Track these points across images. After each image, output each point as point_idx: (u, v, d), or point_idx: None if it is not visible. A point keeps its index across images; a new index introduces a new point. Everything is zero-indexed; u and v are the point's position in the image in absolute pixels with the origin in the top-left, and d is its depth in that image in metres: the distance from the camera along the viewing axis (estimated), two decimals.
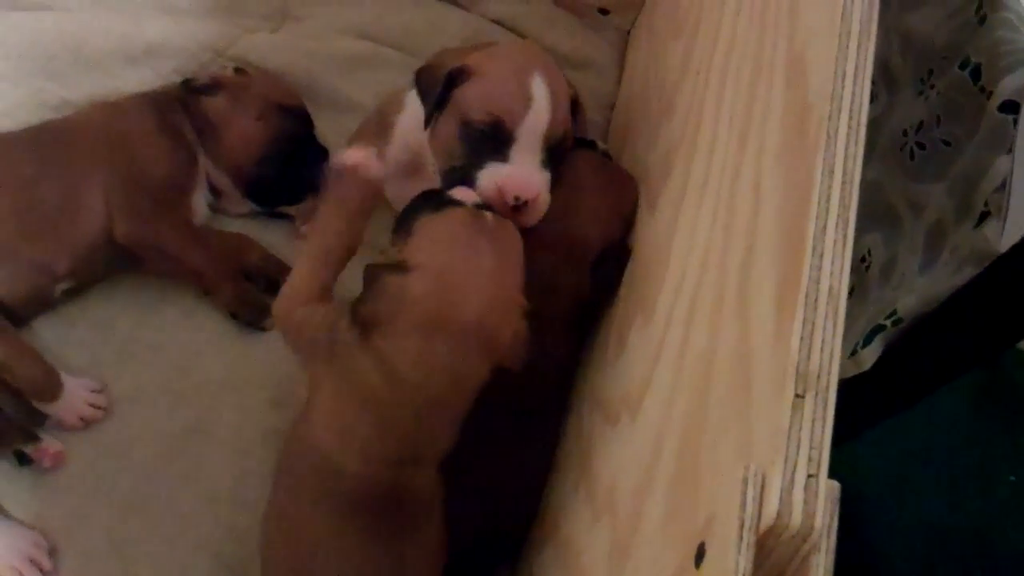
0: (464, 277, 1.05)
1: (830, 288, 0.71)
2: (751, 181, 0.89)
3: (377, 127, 1.38)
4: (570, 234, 1.23)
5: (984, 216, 1.15)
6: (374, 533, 1.07)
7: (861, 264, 1.35)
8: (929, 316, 1.12)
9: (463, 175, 1.20)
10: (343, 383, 1.07)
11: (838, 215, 0.73)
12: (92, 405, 1.31)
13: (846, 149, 0.76)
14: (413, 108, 1.31)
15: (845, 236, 0.73)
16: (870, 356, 1.14)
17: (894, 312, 1.14)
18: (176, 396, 1.35)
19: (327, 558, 1.08)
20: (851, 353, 1.15)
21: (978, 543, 1.59)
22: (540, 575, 1.19)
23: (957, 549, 1.59)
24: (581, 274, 1.24)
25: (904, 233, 1.30)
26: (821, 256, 0.72)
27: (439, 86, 1.21)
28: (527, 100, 1.18)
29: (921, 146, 1.30)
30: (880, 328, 1.16)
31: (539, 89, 1.19)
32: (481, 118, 1.19)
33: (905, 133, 1.34)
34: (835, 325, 0.70)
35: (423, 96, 1.26)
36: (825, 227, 0.73)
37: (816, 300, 0.70)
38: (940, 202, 1.24)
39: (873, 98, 1.47)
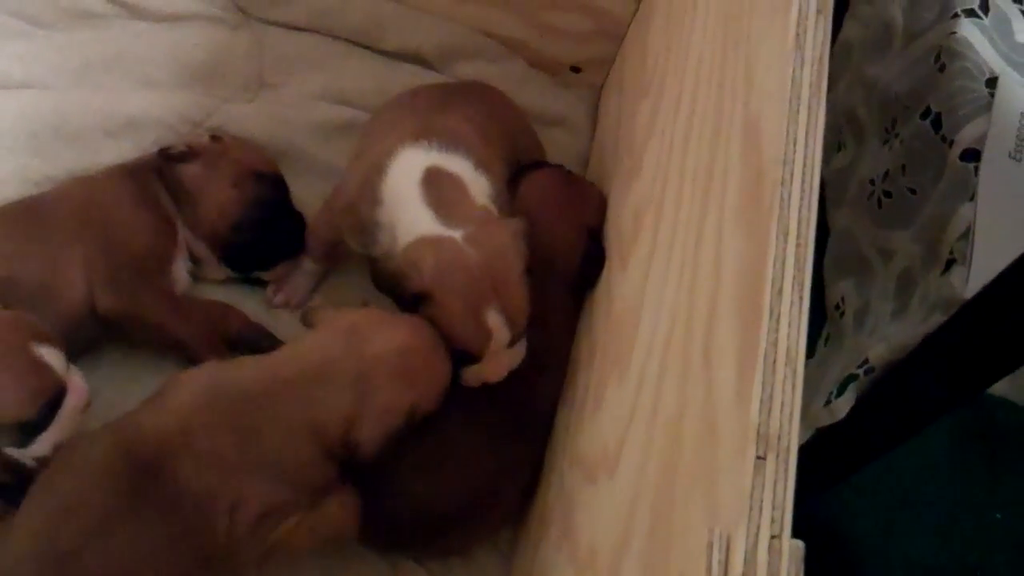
0: None
1: (787, 350, 0.72)
2: (713, 242, 0.91)
3: (356, 221, 1.35)
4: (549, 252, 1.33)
5: (950, 263, 1.16)
6: None
7: (836, 311, 1.37)
8: (899, 364, 1.13)
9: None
10: None
11: (793, 278, 0.75)
12: None
13: (799, 212, 0.78)
14: (392, 206, 1.30)
15: (801, 298, 0.74)
16: (844, 406, 1.15)
17: (866, 361, 1.16)
18: None
19: None
20: (825, 403, 1.16)
21: None
22: None
23: None
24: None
25: (875, 280, 1.31)
26: (778, 319, 0.73)
27: (409, 299, 1.24)
28: (486, 335, 1.21)
29: (888, 194, 1.33)
30: (852, 378, 1.17)
31: (494, 320, 1.21)
32: (452, 345, 1.22)
33: (872, 182, 1.36)
34: (794, 387, 0.71)
35: (393, 288, 1.28)
36: (781, 290, 0.74)
37: (775, 362, 0.72)
38: (908, 249, 1.26)
39: (841, 147, 1.49)
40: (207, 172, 1.48)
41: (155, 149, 1.54)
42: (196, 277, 1.51)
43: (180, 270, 1.48)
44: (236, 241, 1.48)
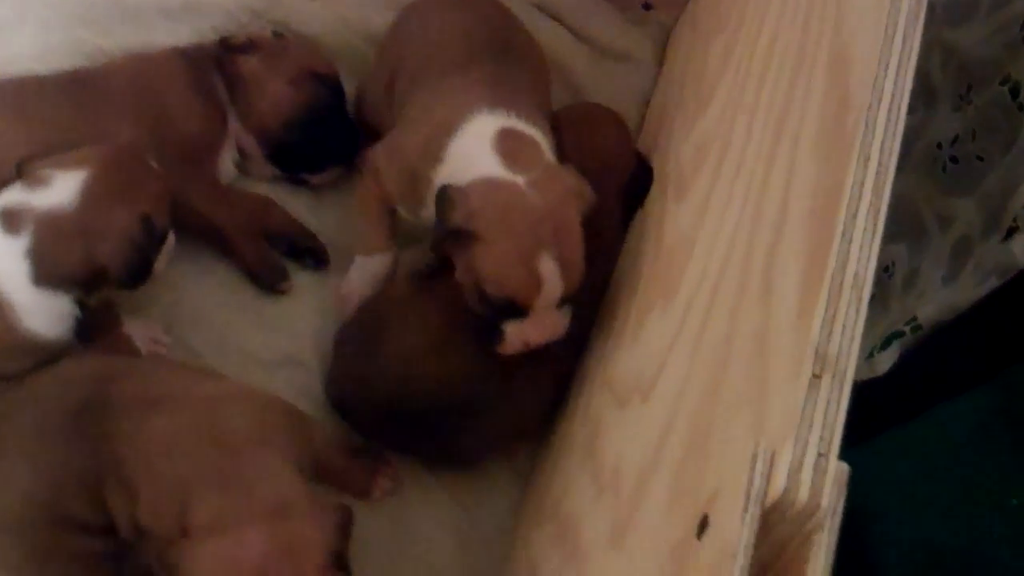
0: None
1: (856, 274, 0.71)
2: (784, 169, 0.89)
3: (408, 181, 1.30)
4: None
5: (1012, 231, 1.14)
6: None
7: (884, 273, 1.35)
8: (948, 325, 1.11)
9: (487, 325, 1.20)
10: None
11: (870, 203, 0.73)
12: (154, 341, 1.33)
13: (883, 141, 0.76)
14: (454, 163, 1.25)
15: (875, 225, 0.73)
16: (886, 361, 1.14)
17: (914, 319, 1.14)
18: (188, 352, 1.36)
19: None
20: (867, 356, 1.15)
21: (974, 564, 1.58)
22: (539, 552, 1.19)
23: (952, 568, 1.58)
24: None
25: (930, 245, 1.29)
26: (850, 241, 0.72)
27: (447, 231, 1.18)
28: (536, 282, 1.16)
29: (954, 160, 1.30)
30: (899, 334, 1.15)
31: (548, 267, 1.15)
32: (493, 292, 1.16)
33: (939, 146, 1.33)
34: (858, 311, 0.70)
35: (437, 216, 1.21)
36: (856, 213, 0.73)
37: (841, 284, 0.70)
38: (968, 216, 1.23)
39: (910, 111, 1.47)
40: (265, 67, 1.46)
41: (212, 35, 1.53)
42: (241, 171, 1.50)
43: (226, 161, 1.47)
44: (286, 140, 1.46)
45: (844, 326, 0.69)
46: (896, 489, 1.54)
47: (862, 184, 0.73)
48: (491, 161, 1.20)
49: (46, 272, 1.17)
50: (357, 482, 1.31)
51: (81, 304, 1.21)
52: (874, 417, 1.17)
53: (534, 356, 1.22)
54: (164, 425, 1.08)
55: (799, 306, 0.73)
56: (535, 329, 1.19)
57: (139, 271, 1.21)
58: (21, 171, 1.20)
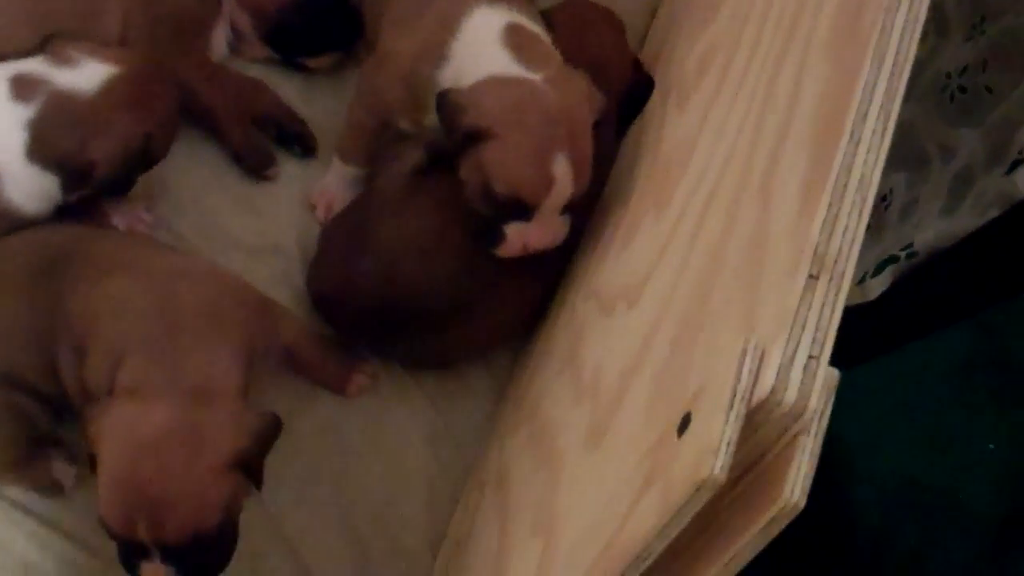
0: None
1: (861, 176, 0.69)
2: (792, 76, 0.87)
3: (408, 88, 1.25)
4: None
5: (1016, 164, 1.12)
6: None
7: (881, 202, 1.33)
8: (945, 252, 1.10)
9: (487, 226, 1.17)
10: None
11: (881, 105, 0.71)
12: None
13: (899, 43, 0.73)
14: (460, 62, 1.20)
15: (885, 128, 0.71)
16: (878, 286, 1.12)
17: (910, 245, 1.12)
18: (171, 232, 1.33)
19: None
20: (859, 281, 1.13)
21: (947, 503, 1.60)
22: (511, 456, 1.18)
23: (926, 505, 1.60)
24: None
25: (930, 175, 1.28)
26: (858, 143, 0.70)
27: (459, 136, 1.14)
28: (548, 181, 1.12)
29: (963, 90, 1.28)
30: (893, 259, 1.14)
31: (561, 168, 1.12)
32: (502, 190, 1.13)
33: (949, 76, 1.31)
34: (860, 215, 0.68)
35: (443, 123, 1.17)
36: (867, 114, 0.70)
37: (846, 186, 0.68)
38: (972, 147, 1.22)
39: (920, 39, 1.44)
40: None
41: None
42: (235, 52, 1.45)
43: (219, 38, 1.42)
44: (283, 21, 1.41)
45: (846, 228, 0.67)
46: (875, 422, 1.54)
47: (874, 85, 0.71)
48: (502, 57, 1.17)
49: (40, 148, 1.15)
50: (333, 377, 1.30)
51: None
52: (859, 345, 1.16)
53: (522, 262, 1.20)
54: (119, 287, 1.07)
55: (800, 207, 0.71)
56: (537, 232, 1.16)
57: (121, 181, 1.20)
58: (47, 46, 1.18)
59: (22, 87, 1.15)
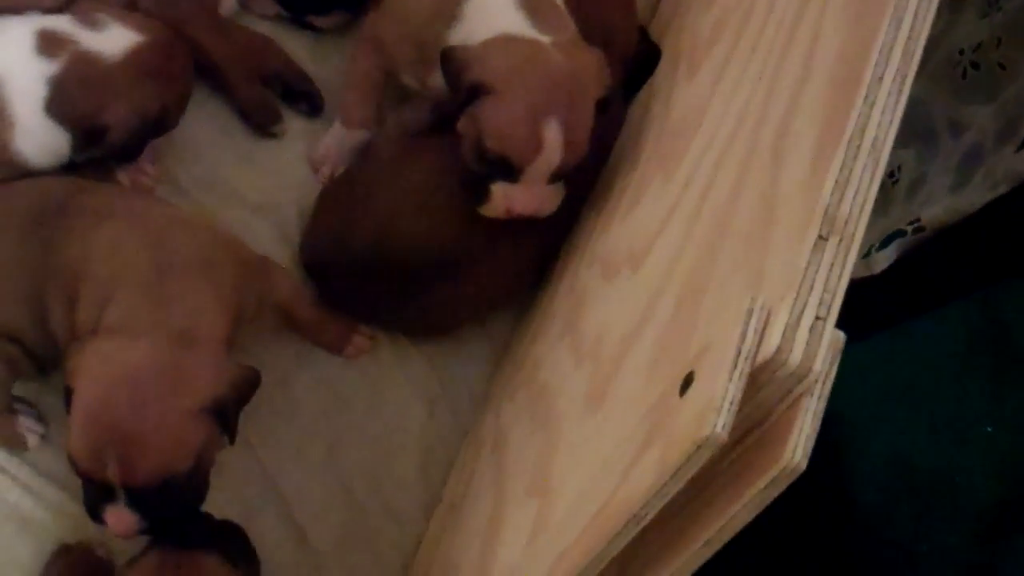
0: None
1: (875, 139, 0.68)
2: (806, 40, 0.86)
3: (416, 45, 1.25)
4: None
5: None
6: None
7: (889, 179, 1.32)
8: (951, 228, 1.09)
9: (475, 180, 1.16)
10: None
11: (897, 69, 0.70)
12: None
13: (918, 6, 0.72)
14: (473, 21, 1.19)
15: (900, 91, 0.70)
16: (883, 260, 1.11)
17: (917, 219, 1.12)
18: (174, 185, 1.32)
19: None
20: (864, 255, 1.13)
21: (944, 485, 1.59)
22: (509, 420, 1.17)
23: (923, 486, 1.59)
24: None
25: (939, 152, 1.27)
26: (872, 105, 0.69)
27: (462, 92, 1.14)
28: (537, 145, 1.11)
29: (975, 66, 1.27)
30: (900, 233, 1.13)
31: (552, 134, 1.11)
32: (492, 147, 1.12)
33: (961, 52, 1.29)
34: (872, 176, 0.67)
35: (446, 78, 1.17)
36: (883, 77, 0.69)
37: (859, 147, 0.67)
38: (983, 124, 1.21)
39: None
40: None
41: None
42: (244, 8, 1.44)
43: None
44: None
45: (857, 190, 0.66)
46: (874, 406, 1.54)
47: (891, 48, 0.70)
48: (516, 18, 1.16)
49: (58, 105, 1.15)
50: (332, 338, 1.30)
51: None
52: (861, 320, 1.15)
53: (520, 226, 1.19)
54: (114, 231, 1.07)
55: (812, 168, 0.70)
56: (522, 196, 1.16)
57: (131, 148, 1.21)
58: (72, 5, 1.20)
59: (48, 42, 1.16)
